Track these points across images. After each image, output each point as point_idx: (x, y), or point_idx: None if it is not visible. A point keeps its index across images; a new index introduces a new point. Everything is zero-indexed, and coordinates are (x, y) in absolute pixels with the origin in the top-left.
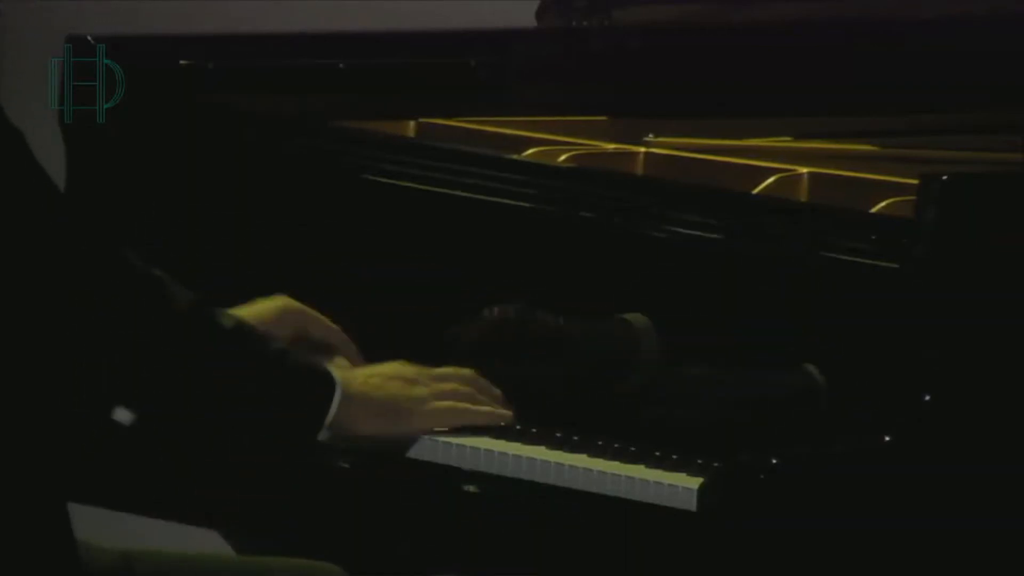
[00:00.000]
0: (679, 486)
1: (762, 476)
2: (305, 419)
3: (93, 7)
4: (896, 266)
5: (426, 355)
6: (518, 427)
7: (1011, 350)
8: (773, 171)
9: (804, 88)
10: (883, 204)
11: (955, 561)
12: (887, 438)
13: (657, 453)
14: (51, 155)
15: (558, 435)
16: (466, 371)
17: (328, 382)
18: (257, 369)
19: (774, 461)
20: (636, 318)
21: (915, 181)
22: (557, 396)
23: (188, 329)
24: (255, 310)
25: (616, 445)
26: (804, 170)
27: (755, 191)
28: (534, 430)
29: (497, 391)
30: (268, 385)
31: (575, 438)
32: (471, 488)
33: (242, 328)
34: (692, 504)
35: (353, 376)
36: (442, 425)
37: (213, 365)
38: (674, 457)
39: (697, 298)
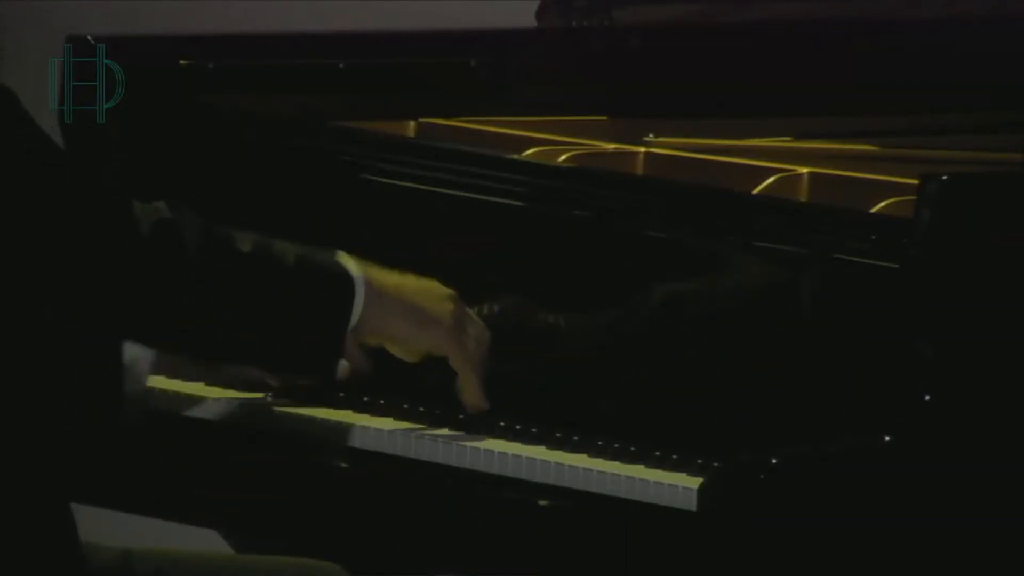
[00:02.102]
0: (679, 486)
1: (762, 476)
2: (332, 320)
3: (93, 7)
4: (896, 266)
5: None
6: (518, 427)
7: (1011, 350)
8: (773, 171)
9: (804, 88)
10: (883, 204)
11: (955, 561)
12: (887, 438)
13: (657, 453)
14: None
15: (558, 435)
16: (486, 332)
17: (348, 284)
18: (280, 279)
19: (774, 461)
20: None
21: (915, 181)
22: (552, 394)
23: (205, 254)
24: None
25: (616, 445)
26: (804, 170)
27: (755, 191)
28: (534, 430)
29: (485, 368)
30: (291, 295)
31: (575, 438)
32: (471, 488)
33: (261, 244)
34: (692, 504)
35: (386, 277)
36: (454, 354)
37: (237, 283)
38: (674, 457)
39: (697, 298)
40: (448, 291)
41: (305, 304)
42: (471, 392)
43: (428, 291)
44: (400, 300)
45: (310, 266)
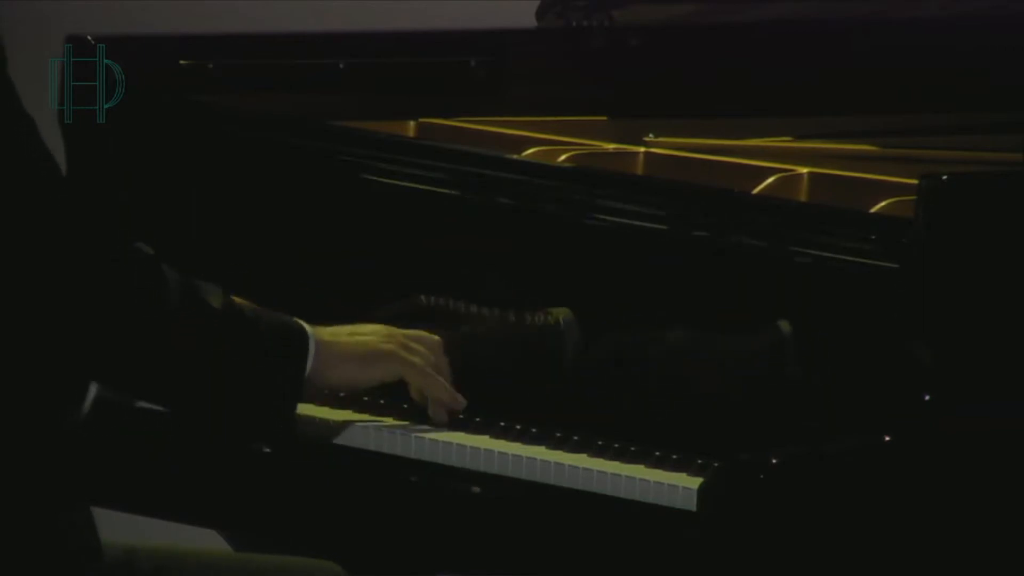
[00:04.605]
0: (679, 486)
1: (762, 476)
2: (286, 375)
3: (93, 7)
4: (896, 266)
5: None
6: (518, 427)
7: (1011, 350)
8: (773, 171)
9: (804, 88)
10: (883, 204)
11: (955, 561)
12: (887, 438)
13: (657, 453)
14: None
15: (558, 435)
16: (435, 337)
17: (302, 335)
18: (235, 336)
19: (774, 461)
20: (562, 312)
21: (915, 181)
22: (552, 395)
23: (177, 307)
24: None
25: (616, 445)
26: (804, 170)
27: (755, 191)
28: (534, 430)
29: (448, 372)
30: (247, 350)
31: (575, 438)
32: (471, 488)
33: (223, 301)
34: (692, 504)
35: (323, 329)
36: (407, 377)
37: (199, 340)
38: (674, 457)
39: (697, 298)
40: (382, 327)
41: (261, 355)
42: (442, 396)
43: (363, 331)
44: (342, 348)
45: (266, 317)
